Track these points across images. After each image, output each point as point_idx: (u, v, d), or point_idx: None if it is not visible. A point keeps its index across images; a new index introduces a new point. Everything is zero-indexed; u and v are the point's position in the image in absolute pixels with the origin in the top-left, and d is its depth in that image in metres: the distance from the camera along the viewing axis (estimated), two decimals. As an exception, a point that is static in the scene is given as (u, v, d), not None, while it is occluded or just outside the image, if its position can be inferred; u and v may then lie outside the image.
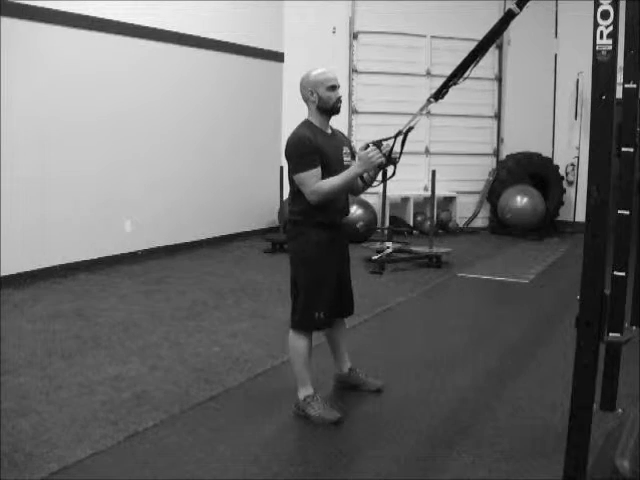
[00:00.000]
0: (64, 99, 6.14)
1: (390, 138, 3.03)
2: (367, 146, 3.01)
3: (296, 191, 3.14)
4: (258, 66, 8.64)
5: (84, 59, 6.30)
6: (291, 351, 3.22)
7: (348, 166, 3.13)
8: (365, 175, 3.12)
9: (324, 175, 3.05)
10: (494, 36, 2.64)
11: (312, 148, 3.03)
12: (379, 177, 3.22)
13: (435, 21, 9.21)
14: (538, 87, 9.70)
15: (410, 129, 2.99)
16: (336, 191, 3.03)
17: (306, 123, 3.15)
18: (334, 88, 3.13)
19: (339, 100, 3.15)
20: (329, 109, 3.14)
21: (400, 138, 3.03)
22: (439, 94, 2.85)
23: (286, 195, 7.81)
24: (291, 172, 3.08)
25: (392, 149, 3.02)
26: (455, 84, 2.79)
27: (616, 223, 2.77)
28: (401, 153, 3.07)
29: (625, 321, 2.86)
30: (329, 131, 3.20)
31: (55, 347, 4.13)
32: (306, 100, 3.17)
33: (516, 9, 2.49)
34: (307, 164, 3.01)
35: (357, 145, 8.97)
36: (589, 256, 1.99)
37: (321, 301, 3.12)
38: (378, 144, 3.00)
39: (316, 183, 3.00)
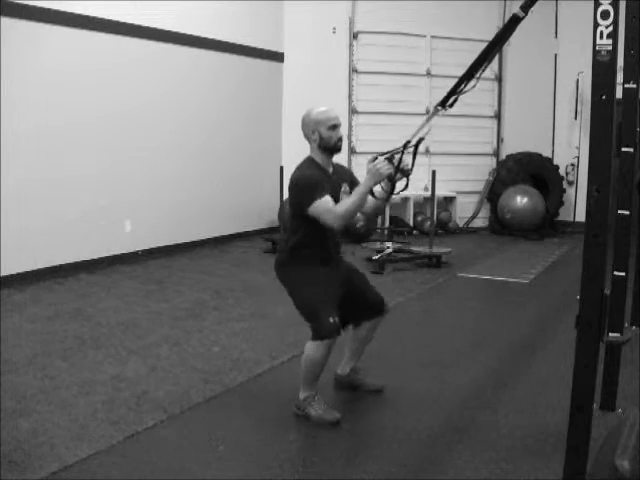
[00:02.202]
0: (64, 99, 6.13)
1: (398, 149, 2.96)
2: (375, 158, 2.97)
3: (291, 227, 3.20)
4: (258, 66, 8.64)
5: (84, 59, 6.30)
6: (306, 360, 3.10)
7: None
8: (378, 189, 3.06)
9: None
10: (499, 42, 2.57)
11: (321, 181, 3.06)
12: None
13: (435, 21, 9.19)
14: (538, 87, 9.69)
15: (421, 140, 2.92)
16: (352, 209, 3.00)
17: (309, 160, 3.18)
18: (335, 127, 3.15)
19: (340, 139, 3.18)
20: (330, 148, 3.16)
21: (409, 149, 2.95)
22: (446, 102, 2.79)
23: (286, 195, 7.91)
24: (303, 206, 3.04)
25: (401, 160, 2.96)
26: (463, 92, 2.75)
27: (616, 223, 2.77)
28: (413, 164, 3.01)
29: (625, 321, 2.86)
30: (330, 169, 3.22)
31: (55, 347, 4.13)
32: (307, 138, 3.19)
33: (521, 13, 2.41)
34: (321, 193, 3.01)
35: (357, 145, 9.07)
36: (589, 256, 1.99)
37: (328, 307, 3.06)
38: (389, 157, 2.96)
39: (333, 207, 3.01)
